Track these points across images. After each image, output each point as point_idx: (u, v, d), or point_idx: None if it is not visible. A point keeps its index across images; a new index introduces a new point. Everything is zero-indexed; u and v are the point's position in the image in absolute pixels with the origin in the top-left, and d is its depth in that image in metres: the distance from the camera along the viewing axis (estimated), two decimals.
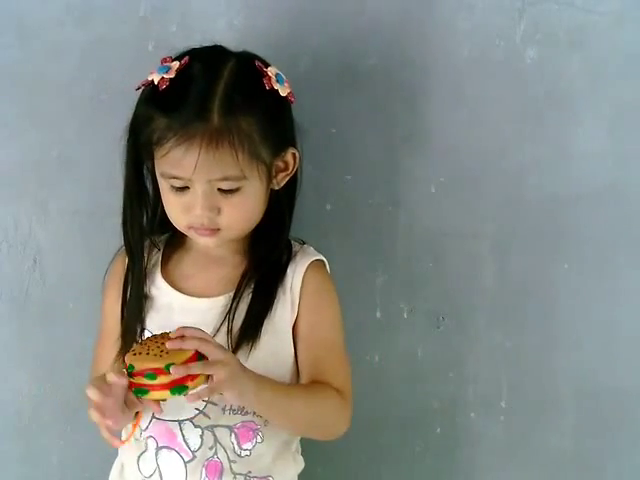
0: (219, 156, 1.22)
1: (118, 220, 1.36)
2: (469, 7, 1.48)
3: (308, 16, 1.49)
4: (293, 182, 1.36)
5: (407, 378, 1.60)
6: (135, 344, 1.23)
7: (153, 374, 1.16)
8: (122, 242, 1.37)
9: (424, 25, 1.49)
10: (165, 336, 1.21)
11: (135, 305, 1.35)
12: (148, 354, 1.18)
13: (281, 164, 1.32)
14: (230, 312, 1.31)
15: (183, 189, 1.26)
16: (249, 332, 1.30)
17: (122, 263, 1.38)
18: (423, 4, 1.48)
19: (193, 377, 1.17)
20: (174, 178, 1.26)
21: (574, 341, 1.57)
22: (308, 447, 1.42)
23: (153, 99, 1.26)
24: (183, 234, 1.35)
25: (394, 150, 1.53)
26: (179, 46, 1.36)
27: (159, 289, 1.36)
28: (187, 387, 1.17)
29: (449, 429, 1.61)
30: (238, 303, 1.32)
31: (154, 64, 1.30)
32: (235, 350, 1.29)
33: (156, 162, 1.28)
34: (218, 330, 1.30)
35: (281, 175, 1.33)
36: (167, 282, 1.36)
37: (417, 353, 1.59)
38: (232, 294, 1.33)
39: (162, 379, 1.16)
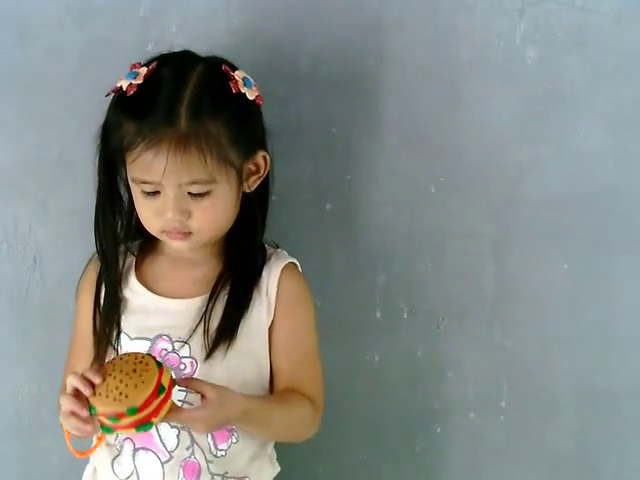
0: (187, 160, 1.23)
1: None
2: (469, 7, 1.48)
3: (308, 16, 1.49)
4: (265, 185, 1.37)
5: (407, 378, 1.60)
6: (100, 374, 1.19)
7: (116, 418, 1.15)
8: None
9: (424, 25, 1.49)
10: (130, 358, 1.18)
11: (110, 308, 1.35)
12: (108, 397, 1.15)
13: (252, 167, 1.33)
14: (207, 312, 1.31)
15: (154, 194, 1.27)
16: (226, 332, 1.31)
17: (95, 268, 1.39)
18: (423, 4, 1.49)
19: (156, 412, 1.16)
20: (145, 183, 1.27)
21: (574, 341, 1.57)
22: (309, 447, 1.42)
23: (122, 105, 1.27)
24: (157, 239, 1.36)
25: (394, 150, 1.53)
26: (179, 46, 1.37)
27: (133, 291, 1.36)
28: (152, 423, 1.16)
29: (449, 429, 1.61)
30: (214, 304, 1.32)
31: None
32: (212, 350, 1.30)
33: (127, 168, 1.29)
34: (194, 331, 1.31)
35: (252, 178, 1.33)
36: (141, 284, 1.36)
37: (417, 353, 1.59)
38: (207, 296, 1.33)
39: (125, 420, 1.15)
